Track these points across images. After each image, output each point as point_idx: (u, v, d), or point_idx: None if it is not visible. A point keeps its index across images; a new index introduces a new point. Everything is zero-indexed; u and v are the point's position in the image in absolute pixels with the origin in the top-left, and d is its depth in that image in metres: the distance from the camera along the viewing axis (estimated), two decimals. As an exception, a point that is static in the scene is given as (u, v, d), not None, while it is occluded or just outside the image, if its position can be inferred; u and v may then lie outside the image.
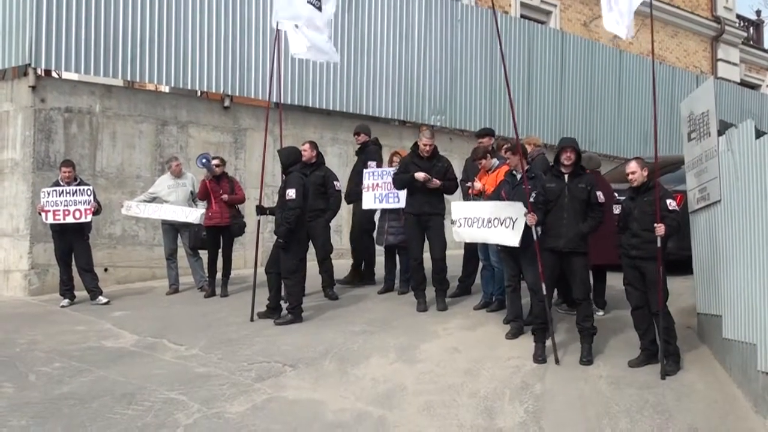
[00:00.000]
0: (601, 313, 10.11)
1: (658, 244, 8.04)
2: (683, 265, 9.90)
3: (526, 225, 8.54)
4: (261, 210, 10.68)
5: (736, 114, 21.52)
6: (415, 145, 10.63)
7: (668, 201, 8.21)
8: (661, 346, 8.10)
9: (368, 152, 12.09)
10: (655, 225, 8.00)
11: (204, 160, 12.04)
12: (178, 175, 12.47)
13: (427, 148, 10.43)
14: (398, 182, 10.65)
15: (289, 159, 10.29)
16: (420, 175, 10.26)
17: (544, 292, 8.46)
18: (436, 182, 10.31)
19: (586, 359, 8.39)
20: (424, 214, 10.33)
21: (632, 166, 8.46)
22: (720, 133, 8.21)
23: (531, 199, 8.51)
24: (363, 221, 12.01)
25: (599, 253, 9.66)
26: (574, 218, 8.57)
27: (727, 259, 8.02)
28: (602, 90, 21.06)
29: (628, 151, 19.99)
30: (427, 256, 10.57)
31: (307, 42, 10.89)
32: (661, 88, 22.02)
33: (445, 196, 10.64)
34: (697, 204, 8.96)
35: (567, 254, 8.58)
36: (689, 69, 25.76)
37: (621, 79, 21.54)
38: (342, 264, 13.18)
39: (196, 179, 12.47)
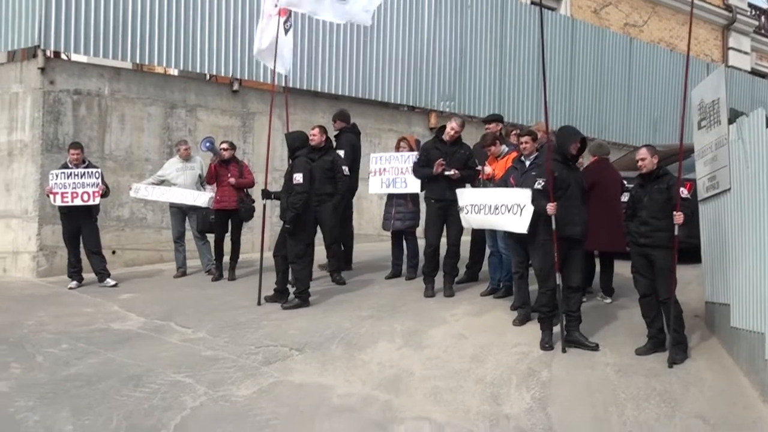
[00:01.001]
0: (608, 300, 10.12)
1: (676, 233, 8.00)
2: (692, 254, 9.87)
3: (534, 212, 8.50)
4: (266, 194, 10.67)
5: (747, 103, 21.42)
6: (440, 129, 10.62)
7: (681, 189, 8.18)
8: (670, 335, 8.09)
9: (339, 141, 12.04)
10: (675, 213, 7.94)
11: (208, 144, 12.04)
12: (186, 158, 12.46)
13: (452, 132, 10.44)
14: (419, 175, 10.71)
15: (296, 143, 10.28)
16: (436, 168, 10.27)
17: (558, 282, 8.42)
18: (456, 173, 10.30)
19: (594, 343, 8.40)
20: (446, 200, 10.30)
21: (642, 152, 8.44)
22: (730, 121, 8.16)
23: (540, 186, 8.45)
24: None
25: (607, 240, 9.67)
26: (581, 206, 8.56)
27: (735, 247, 7.98)
28: (612, 77, 20.99)
29: (637, 139, 19.96)
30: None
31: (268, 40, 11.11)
32: (671, 76, 21.99)
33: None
34: (707, 192, 8.92)
35: (576, 242, 8.56)
36: (700, 57, 25.64)
37: (631, 66, 21.45)
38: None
39: (205, 163, 12.46)
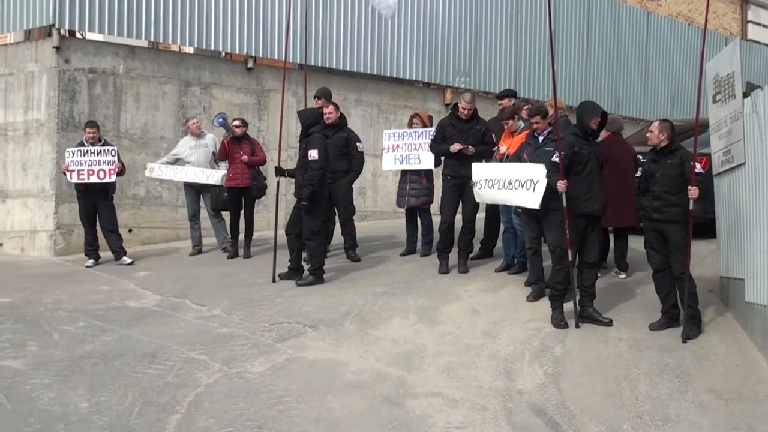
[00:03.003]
0: (623, 276, 10.09)
1: (690, 207, 7.98)
2: (707, 229, 9.83)
3: (548, 187, 8.45)
4: (279, 171, 10.68)
5: (766, 76, 21.23)
6: (455, 106, 10.62)
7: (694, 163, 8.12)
8: (684, 310, 8.07)
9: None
10: (689, 187, 7.91)
11: (221, 120, 12.04)
12: (197, 134, 12.49)
13: (466, 111, 10.43)
14: (435, 151, 10.76)
15: (309, 120, 10.24)
16: (454, 148, 10.29)
17: (570, 258, 8.39)
18: (471, 149, 10.28)
19: (607, 319, 8.41)
20: (461, 177, 10.28)
21: (653, 125, 8.43)
22: (745, 94, 8.10)
23: (556, 159, 8.38)
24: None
25: (620, 215, 9.64)
26: (601, 182, 8.53)
27: (750, 222, 7.94)
28: (629, 52, 20.87)
29: (654, 114, 19.80)
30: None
31: None
32: (689, 50, 21.84)
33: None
34: (722, 166, 8.87)
35: (595, 218, 8.53)
36: (718, 31, 25.42)
37: (648, 41, 21.32)
38: (365, 226, 13.22)
39: (218, 140, 12.48)
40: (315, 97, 11.75)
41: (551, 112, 9.21)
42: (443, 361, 7.60)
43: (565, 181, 8.23)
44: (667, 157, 8.24)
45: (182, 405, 6.62)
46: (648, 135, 8.42)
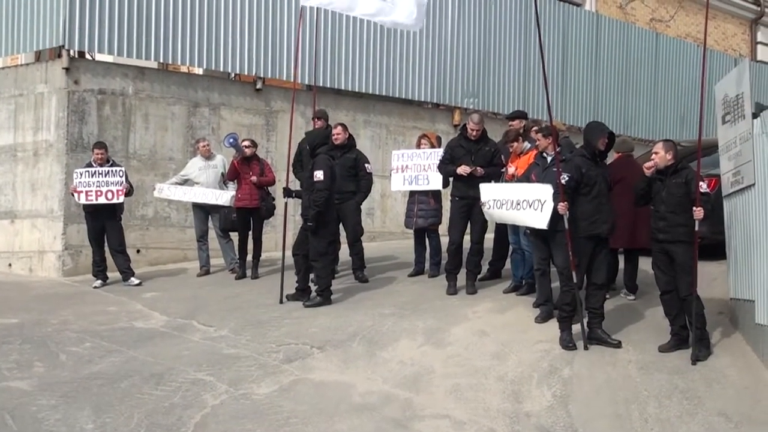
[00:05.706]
0: (632, 297, 10.04)
1: (696, 228, 7.92)
2: (716, 250, 9.77)
3: (556, 210, 8.42)
4: (288, 192, 10.67)
5: (776, 97, 21.19)
6: (464, 127, 10.61)
7: (700, 183, 8.08)
8: (693, 332, 8.01)
9: None
10: (694, 208, 7.87)
11: (231, 140, 12.05)
12: (206, 155, 12.52)
13: (474, 132, 10.41)
14: (443, 172, 10.76)
15: (316, 141, 10.24)
16: (461, 170, 10.27)
17: (575, 280, 8.35)
18: (480, 171, 10.27)
19: (616, 341, 8.34)
20: (470, 198, 10.26)
21: (657, 147, 8.39)
22: (755, 115, 8.07)
23: (563, 181, 8.35)
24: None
25: (631, 237, 9.61)
26: (609, 204, 8.49)
27: (760, 243, 7.88)
28: (638, 73, 20.83)
29: (664, 135, 19.71)
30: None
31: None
32: (698, 71, 21.76)
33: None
34: (731, 187, 8.82)
35: (602, 240, 8.48)
36: (728, 52, 25.39)
37: (657, 61, 21.30)
38: (373, 247, 13.19)
39: (227, 161, 12.49)
40: (313, 119, 11.71)
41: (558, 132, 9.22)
42: (451, 382, 7.56)
43: (566, 203, 8.20)
44: (673, 176, 8.19)
45: (188, 426, 6.61)
46: (653, 158, 8.34)
